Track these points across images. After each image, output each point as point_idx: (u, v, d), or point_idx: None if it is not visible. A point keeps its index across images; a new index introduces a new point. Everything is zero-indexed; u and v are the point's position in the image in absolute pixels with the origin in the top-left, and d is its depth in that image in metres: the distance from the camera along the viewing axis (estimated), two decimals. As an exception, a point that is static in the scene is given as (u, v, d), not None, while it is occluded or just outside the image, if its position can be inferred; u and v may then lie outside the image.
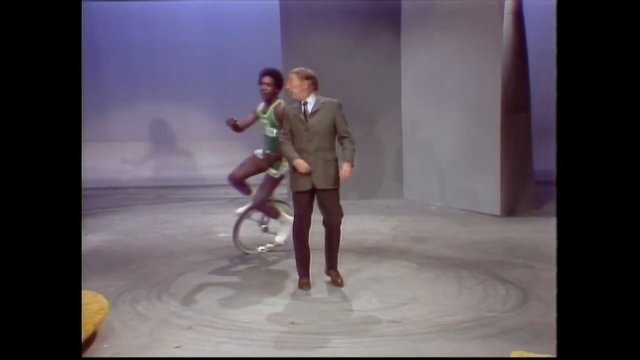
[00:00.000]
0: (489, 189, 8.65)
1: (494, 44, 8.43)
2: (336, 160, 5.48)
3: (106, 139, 12.07)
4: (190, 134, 12.18)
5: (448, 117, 9.24)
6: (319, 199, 5.46)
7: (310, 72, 5.48)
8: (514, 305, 5.08)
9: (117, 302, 5.14)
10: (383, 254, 6.81)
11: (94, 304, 4.55)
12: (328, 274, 5.66)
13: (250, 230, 7.00)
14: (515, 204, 8.65)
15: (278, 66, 9.88)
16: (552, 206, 8.23)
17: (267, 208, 6.64)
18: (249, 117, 6.63)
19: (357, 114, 9.54)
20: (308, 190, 5.42)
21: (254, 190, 6.58)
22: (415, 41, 9.71)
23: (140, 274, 6.04)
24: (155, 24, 11.94)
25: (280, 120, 6.13)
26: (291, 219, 6.02)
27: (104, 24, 11.89)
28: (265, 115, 6.44)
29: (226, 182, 6.82)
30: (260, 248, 6.81)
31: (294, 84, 5.43)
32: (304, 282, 5.54)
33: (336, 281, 5.60)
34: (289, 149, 5.47)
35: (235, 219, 6.80)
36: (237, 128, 6.54)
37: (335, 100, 5.51)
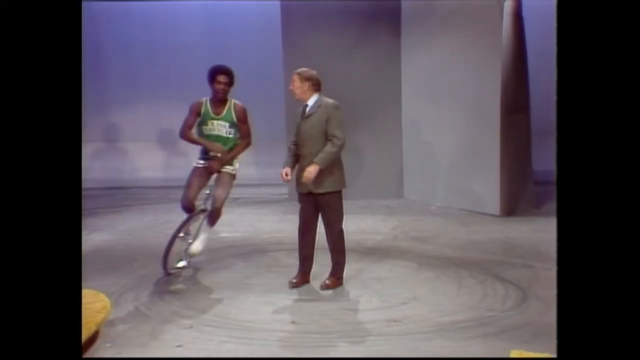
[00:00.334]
0: (488, 189, 8.67)
1: (493, 44, 8.44)
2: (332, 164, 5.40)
3: (107, 139, 12.08)
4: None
5: (448, 117, 9.26)
6: (317, 202, 5.45)
7: (312, 72, 5.44)
8: (513, 304, 5.10)
9: (118, 301, 5.16)
10: (383, 253, 6.84)
11: (96, 303, 4.58)
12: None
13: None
14: (514, 204, 8.67)
15: (278, 66, 9.95)
16: (552, 206, 8.25)
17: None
18: (191, 120, 5.95)
19: (357, 114, 9.58)
20: (306, 192, 5.44)
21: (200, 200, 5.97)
22: (415, 41, 9.72)
23: (142, 273, 6.06)
24: (156, 24, 11.94)
25: (243, 119, 5.92)
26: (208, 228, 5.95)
27: (105, 24, 11.89)
28: (221, 116, 5.89)
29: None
30: (182, 263, 6.05)
31: (296, 84, 5.41)
32: (291, 279, 5.58)
33: (326, 284, 5.53)
34: (288, 154, 5.59)
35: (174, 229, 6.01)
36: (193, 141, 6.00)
37: (332, 102, 5.42)
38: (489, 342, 4.30)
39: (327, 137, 5.36)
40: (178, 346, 4.28)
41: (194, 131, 5.97)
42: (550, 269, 5.82)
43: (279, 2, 10.09)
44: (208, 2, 11.93)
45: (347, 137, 9.60)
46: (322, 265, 5.72)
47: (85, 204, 6.78)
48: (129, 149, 12.11)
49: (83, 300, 4.28)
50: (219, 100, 5.90)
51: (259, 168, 10.77)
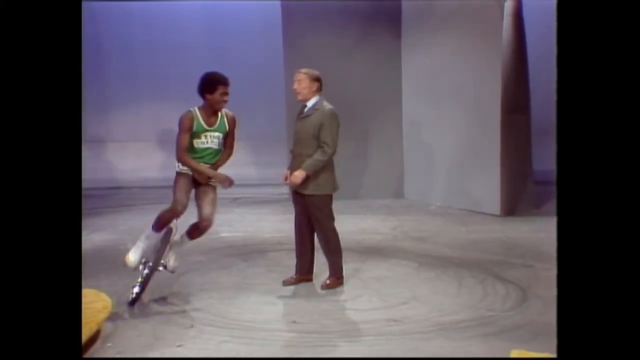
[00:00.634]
0: (488, 189, 8.69)
1: (493, 44, 8.46)
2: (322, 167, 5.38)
3: (108, 139, 12.10)
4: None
5: (448, 117, 9.27)
6: (305, 203, 5.47)
7: (317, 73, 5.45)
8: (513, 304, 5.11)
9: (120, 300, 5.15)
10: (383, 253, 6.85)
11: (97, 303, 4.59)
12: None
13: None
14: (514, 204, 8.69)
15: (279, 66, 9.96)
16: (552, 206, 8.29)
17: None
18: (185, 139, 5.29)
19: (357, 113, 9.60)
20: (294, 191, 5.52)
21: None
22: (415, 42, 9.73)
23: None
24: (156, 24, 11.96)
25: (233, 129, 5.43)
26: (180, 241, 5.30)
27: (105, 24, 11.91)
28: (214, 127, 5.28)
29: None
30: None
31: (304, 84, 5.39)
32: (287, 278, 5.64)
33: (325, 284, 5.55)
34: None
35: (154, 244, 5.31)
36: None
37: (331, 108, 5.39)
38: (489, 342, 4.31)
39: (318, 142, 5.33)
40: (179, 346, 4.28)
41: None
42: (550, 268, 5.83)
43: (279, 2, 10.10)
44: (208, 2, 11.94)
45: (347, 137, 9.67)
46: (322, 264, 5.73)
47: (86, 203, 6.79)
48: (129, 148, 12.12)
49: (84, 300, 4.30)
50: (214, 111, 5.31)
51: (259, 168, 10.80)
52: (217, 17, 12.03)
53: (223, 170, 5.42)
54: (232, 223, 8.50)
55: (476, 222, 8.35)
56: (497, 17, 8.42)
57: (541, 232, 7.38)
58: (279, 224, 8.15)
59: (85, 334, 4.05)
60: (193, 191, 5.35)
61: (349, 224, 8.21)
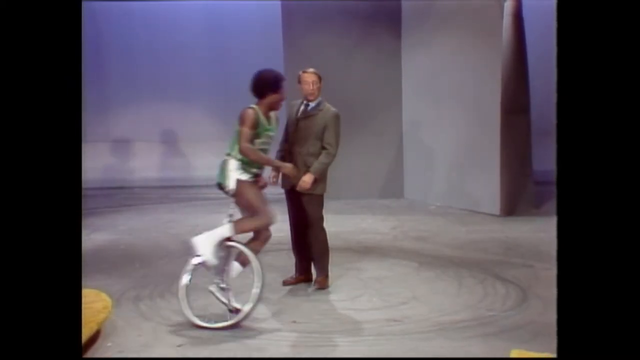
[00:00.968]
0: (488, 189, 8.70)
1: (493, 44, 8.47)
2: None
3: (109, 139, 12.12)
4: (193, 134, 12.22)
5: (448, 117, 9.28)
6: (300, 200, 5.47)
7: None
8: (513, 304, 5.11)
9: (120, 300, 5.18)
10: (383, 253, 6.85)
11: (97, 302, 4.59)
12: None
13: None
14: (514, 204, 8.70)
15: (280, 66, 9.94)
16: (551, 206, 8.30)
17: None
18: (252, 133, 4.76)
19: (357, 113, 9.61)
20: (290, 189, 5.50)
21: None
22: (415, 42, 9.75)
23: (143, 273, 6.09)
24: (156, 24, 11.98)
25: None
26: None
27: (105, 24, 11.93)
28: (272, 126, 4.94)
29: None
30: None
31: (317, 85, 5.42)
32: (286, 278, 5.65)
33: (319, 283, 5.54)
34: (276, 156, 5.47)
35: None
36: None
37: (334, 110, 5.45)
38: (489, 341, 4.31)
39: (321, 143, 5.38)
40: (179, 346, 4.29)
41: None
42: (550, 268, 5.83)
43: (279, 2, 10.11)
44: (208, 2, 11.96)
45: (347, 137, 9.63)
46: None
47: (87, 203, 6.79)
48: (130, 148, 12.14)
49: (84, 300, 4.30)
50: (269, 110, 4.93)
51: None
52: (217, 17, 12.04)
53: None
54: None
55: (476, 222, 8.36)
56: (497, 17, 8.44)
57: (541, 232, 7.39)
58: (278, 224, 8.08)
59: (86, 334, 4.06)
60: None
61: (349, 224, 8.22)
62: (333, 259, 6.01)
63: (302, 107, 5.49)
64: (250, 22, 11.84)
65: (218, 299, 4.72)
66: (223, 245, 4.72)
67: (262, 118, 4.81)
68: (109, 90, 12.04)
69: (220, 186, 4.80)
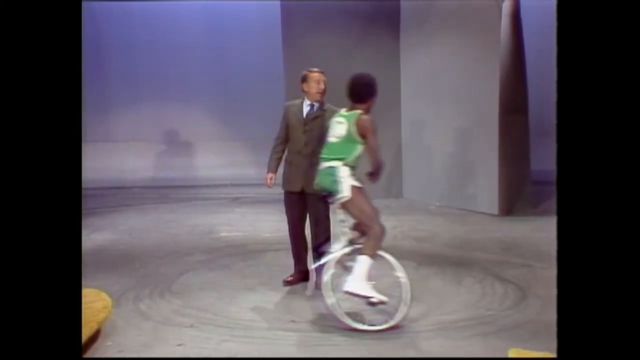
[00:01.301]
0: (487, 189, 8.71)
1: (491, 45, 8.48)
2: None
3: (109, 139, 12.14)
4: (193, 134, 12.24)
5: (447, 117, 9.29)
6: (308, 201, 5.47)
7: None
8: (512, 303, 5.13)
9: (120, 300, 5.19)
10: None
11: (97, 302, 4.60)
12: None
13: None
14: (513, 204, 8.72)
15: (279, 66, 9.99)
16: (550, 205, 8.32)
17: None
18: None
19: (356, 113, 9.61)
20: (297, 192, 5.47)
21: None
22: (414, 42, 9.76)
23: (143, 273, 6.10)
24: (156, 24, 12.00)
25: None
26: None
27: (106, 24, 11.95)
28: None
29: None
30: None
31: (325, 85, 5.50)
32: (285, 278, 5.63)
33: (317, 282, 5.52)
34: (272, 157, 5.55)
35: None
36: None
37: (336, 109, 5.40)
38: (488, 340, 4.33)
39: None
40: (179, 345, 4.30)
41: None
42: (549, 268, 5.88)
43: (278, 2, 10.13)
44: (208, 2, 11.98)
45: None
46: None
47: (87, 203, 6.78)
48: (130, 148, 12.15)
49: (85, 299, 4.30)
50: (368, 114, 5.08)
51: (259, 168, 10.79)
52: (216, 17, 12.07)
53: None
54: (232, 223, 8.54)
55: (475, 221, 8.37)
56: (495, 18, 8.45)
57: (539, 232, 7.40)
58: (278, 224, 8.15)
59: (86, 333, 4.08)
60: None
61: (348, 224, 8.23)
62: (332, 258, 6.03)
63: (308, 108, 5.47)
64: (250, 22, 11.86)
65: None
66: (346, 258, 4.73)
67: None
68: (109, 90, 12.06)
69: (328, 193, 4.74)
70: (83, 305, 3.42)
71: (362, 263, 4.57)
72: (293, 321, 4.77)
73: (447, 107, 9.28)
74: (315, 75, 5.45)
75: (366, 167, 4.88)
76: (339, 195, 4.65)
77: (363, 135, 4.77)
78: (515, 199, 8.77)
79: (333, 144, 4.79)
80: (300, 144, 5.47)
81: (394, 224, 8.29)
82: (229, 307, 5.08)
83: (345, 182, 4.65)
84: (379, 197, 9.92)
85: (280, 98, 9.46)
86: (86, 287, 4.75)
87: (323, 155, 4.81)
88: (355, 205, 4.67)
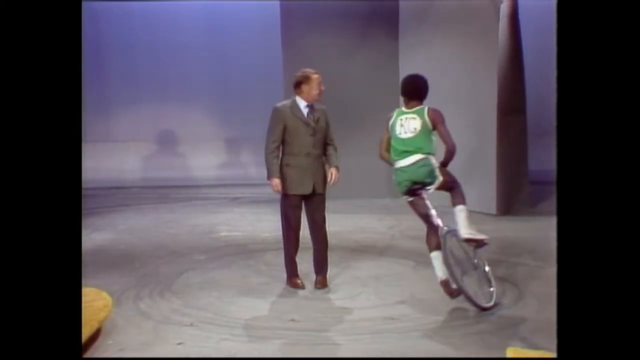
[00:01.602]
0: (485, 189, 8.72)
1: (489, 46, 8.51)
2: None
3: (109, 139, 12.15)
4: (192, 134, 12.25)
5: (445, 117, 9.29)
6: (310, 203, 5.51)
7: None
8: (509, 302, 5.16)
9: (120, 299, 5.22)
10: (381, 252, 6.91)
11: (98, 301, 4.64)
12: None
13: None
14: (510, 203, 8.74)
15: (278, 66, 10.01)
16: (547, 205, 8.37)
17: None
18: None
19: (355, 113, 9.66)
20: (301, 195, 5.47)
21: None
22: (413, 43, 9.77)
23: (143, 272, 6.14)
24: (156, 24, 12.00)
25: None
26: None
27: (106, 24, 11.96)
28: None
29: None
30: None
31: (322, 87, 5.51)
32: (294, 280, 5.59)
33: (322, 283, 5.58)
34: (273, 161, 5.43)
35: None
36: None
37: (324, 107, 5.59)
38: (485, 339, 4.36)
39: (325, 140, 5.58)
40: (179, 344, 4.33)
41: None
42: (545, 267, 5.93)
43: (278, 3, 10.15)
44: (208, 2, 11.98)
45: (346, 137, 9.65)
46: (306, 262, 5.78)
47: (87, 203, 6.81)
48: (130, 148, 12.17)
49: (85, 299, 4.33)
50: None
51: (258, 168, 10.83)
52: (216, 17, 12.07)
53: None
54: (231, 222, 8.57)
55: (473, 221, 8.34)
56: (493, 19, 8.47)
57: (536, 231, 7.43)
58: (277, 224, 8.13)
59: (87, 332, 4.11)
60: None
61: (347, 223, 8.27)
62: (331, 258, 6.07)
63: (307, 110, 5.48)
64: (249, 22, 11.87)
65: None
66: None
67: None
68: (109, 90, 12.07)
69: (426, 184, 5.27)
70: (84, 305, 3.43)
71: (462, 211, 5.24)
72: (293, 320, 4.80)
73: (445, 108, 9.19)
74: (316, 76, 5.48)
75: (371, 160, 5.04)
76: (437, 182, 5.23)
77: (434, 126, 5.28)
78: (513, 198, 8.79)
79: (410, 138, 5.24)
80: (307, 146, 5.45)
81: (392, 224, 8.33)
82: (228, 306, 5.11)
83: (437, 168, 5.20)
84: (377, 196, 10.01)
85: (280, 98, 9.49)
86: (87, 286, 4.78)
87: (403, 150, 5.25)
88: (445, 179, 5.28)
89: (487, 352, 4.14)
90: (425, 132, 5.24)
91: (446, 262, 4.97)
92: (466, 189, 9.29)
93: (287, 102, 5.55)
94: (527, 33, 8.80)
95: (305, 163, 5.45)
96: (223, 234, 7.88)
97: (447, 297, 5.27)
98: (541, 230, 7.29)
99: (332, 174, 5.53)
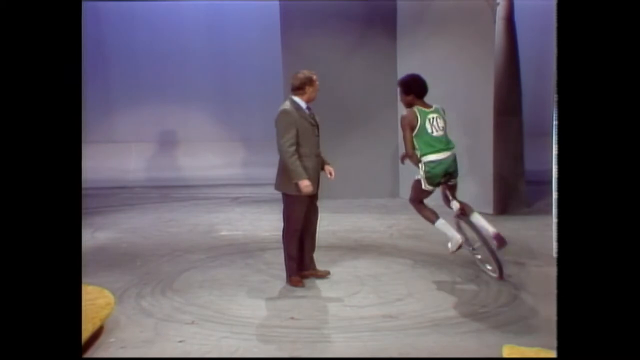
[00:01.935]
0: (481, 189, 8.76)
1: (486, 47, 8.53)
2: None
3: (111, 139, 12.16)
4: (193, 135, 12.25)
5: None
6: (310, 203, 5.60)
7: None
8: (506, 300, 5.21)
9: (122, 297, 5.27)
10: (379, 251, 6.93)
11: (100, 299, 4.68)
12: (308, 273, 5.77)
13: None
14: (507, 203, 8.79)
15: (278, 67, 10.03)
16: (543, 204, 8.40)
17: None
18: None
19: (354, 114, 9.71)
20: (314, 193, 5.57)
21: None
22: (410, 44, 9.80)
23: (145, 270, 6.18)
24: (157, 25, 11.98)
25: None
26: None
27: (108, 25, 11.96)
28: None
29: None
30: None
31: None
32: (295, 279, 5.65)
33: (323, 274, 5.79)
34: (297, 163, 5.40)
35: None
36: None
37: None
38: (482, 337, 4.41)
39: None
40: (180, 341, 4.38)
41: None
42: (542, 265, 5.99)
43: (278, 3, 10.18)
44: (208, 2, 11.98)
45: (344, 137, 9.73)
46: (319, 262, 5.87)
47: (89, 203, 6.85)
48: (131, 149, 12.19)
49: (88, 297, 4.40)
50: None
51: (258, 168, 10.88)
52: (216, 17, 12.06)
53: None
54: (232, 222, 8.59)
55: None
56: (489, 21, 8.51)
57: (533, 230, 7.49)
58: (278, 223, 8.16)
59: (89, 330, 4.16)
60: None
61: (346, 223, 8.31)
62: (331, 257, 6.14)
63: (307, 112, 5.52)
64: (249, 23, 11.87)
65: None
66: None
67: None
68: (110, 91, 12.09)
69: (453, 176, 6.06)
70: (86, 302, 3.47)
71: (479, 214, 6.04)
72: (292, 318, 4.84)
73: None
74: (316, 78, 5.54)
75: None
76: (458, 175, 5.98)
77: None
78: (509, 198, 8.84)
79: (441, 136, 5.82)
80: (315, 147, 5.54)
81: (391, 223, 8.37)
82: (229, 305, 5.16)
83: None
84: (376, 196, 10.05)
85: (280, 98, 9.54)
86: (89, 284, 4.86)
87: (438, 147, 5.79)
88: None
89: (483, 350, 4.18)
90: (446, 129, 5.85)
91: (460, 231, 5.85)
92: (463, 188, 9.37)
93: (289, 104, 5.50)
94: (523, 34, 8.85)
95: (314, 163, 5.53)
96: (223, 233, 7.91)
97: (445, 296, 5.33)
98: (537, 229, 7.39)
99: (331, 171, 5.66)
